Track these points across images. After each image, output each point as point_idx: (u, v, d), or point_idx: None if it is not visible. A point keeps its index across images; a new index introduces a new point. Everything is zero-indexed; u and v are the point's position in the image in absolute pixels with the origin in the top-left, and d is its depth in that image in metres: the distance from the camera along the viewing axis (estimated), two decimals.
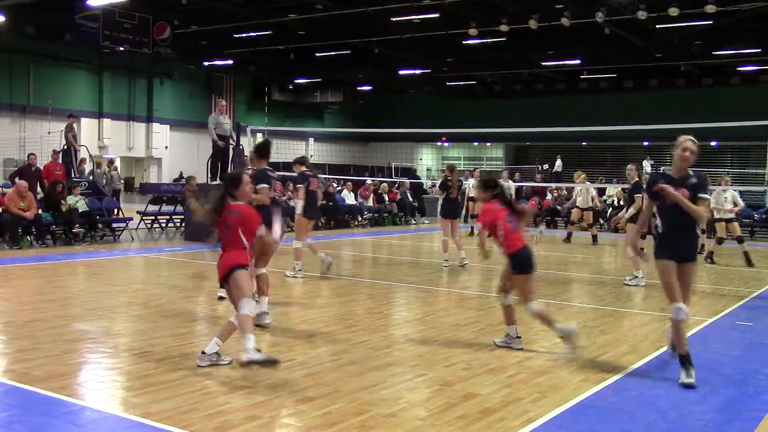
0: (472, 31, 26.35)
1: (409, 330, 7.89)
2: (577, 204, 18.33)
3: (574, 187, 19.02)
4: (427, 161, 48.50)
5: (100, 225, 15.94)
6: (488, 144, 47.86)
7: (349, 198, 22.41)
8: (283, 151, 33.99)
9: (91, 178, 19.58)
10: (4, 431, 4.40)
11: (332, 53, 35.00)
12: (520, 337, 6.87)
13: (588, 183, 18.70)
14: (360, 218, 22.18)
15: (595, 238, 18.11)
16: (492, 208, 6.74)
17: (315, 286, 10.42)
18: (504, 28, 25.65)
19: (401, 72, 38.04)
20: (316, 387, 5.45)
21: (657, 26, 26.13)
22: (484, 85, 43.87)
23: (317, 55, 35.81)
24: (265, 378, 5.64)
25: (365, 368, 6.04)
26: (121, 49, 31.68)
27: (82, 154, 20.57)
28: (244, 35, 32.09)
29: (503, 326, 6.99)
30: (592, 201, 18.40)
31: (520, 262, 6.63)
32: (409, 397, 5.34)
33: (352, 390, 5.41)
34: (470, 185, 19.35)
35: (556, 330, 6.57)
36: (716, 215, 14.68)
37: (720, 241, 14.75)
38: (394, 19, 26.95)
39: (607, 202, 24.27)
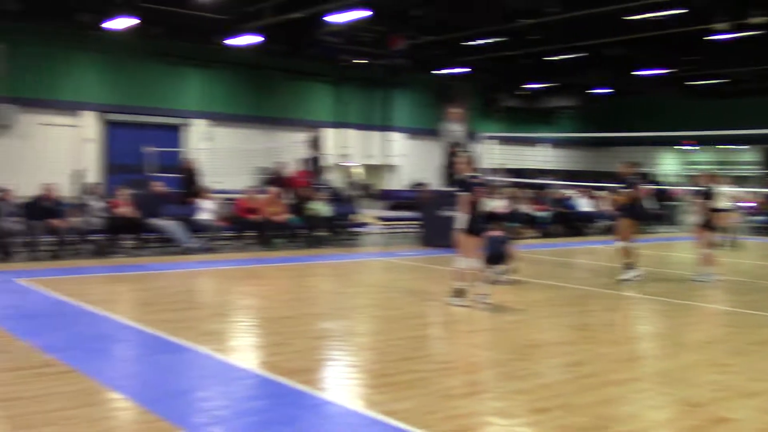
0: (719, 26, 24.46)
1: (650, 344, 7.46)
2: None
3: None
4: (667, 166, 45.81)
5: (341, 229, 16.81)
6: (738, 147, 44.17)
7: (583, 204, 21.72)
8: (515, 157, 33.82)
9: (333, 185, 20.71)
10: (258, 419, 4.75)
11: (565, 56, 34.26)
12: None
13: None
14: (595, 225, 21.43)
15: None
16: None
17: (550, 294, 10.21)
18: (758, 20, 23.53)
19: (639, 73, 36.31)
20: (552, 398, 5.32)
21: None
22: (735, 83, 40.57)
23: (550, 59, 35.24)
24: (501, 385, 5.61)
25: (604, 382, 5.79)
26: (360, 62, 33.32)
27: (325, 162, 21.79)
28: (477, 43, 32.38)
29: None
30: None
31: None
32: (652, 416, 5.03)
33: (589, 403, 5.21)
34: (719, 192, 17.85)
35: None
36: None
37: None
38: (628, 18, 25.79)
39: None
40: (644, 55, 32.43)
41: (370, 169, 42.23)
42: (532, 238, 18.97)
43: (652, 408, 5.21)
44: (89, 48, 31.05)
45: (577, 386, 5.64)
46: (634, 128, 31.89)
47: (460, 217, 8.83)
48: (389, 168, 42.09)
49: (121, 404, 5.06)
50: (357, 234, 17.31)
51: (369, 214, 19.71)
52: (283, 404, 5.07)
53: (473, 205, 8.90)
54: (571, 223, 20.72)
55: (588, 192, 22.46)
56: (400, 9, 28.16)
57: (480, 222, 9.07)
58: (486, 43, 31.89)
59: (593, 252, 16.93)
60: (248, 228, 15.21)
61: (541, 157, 45.10)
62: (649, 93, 42.99)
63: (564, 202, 21.22)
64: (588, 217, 21.46)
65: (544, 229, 19.72)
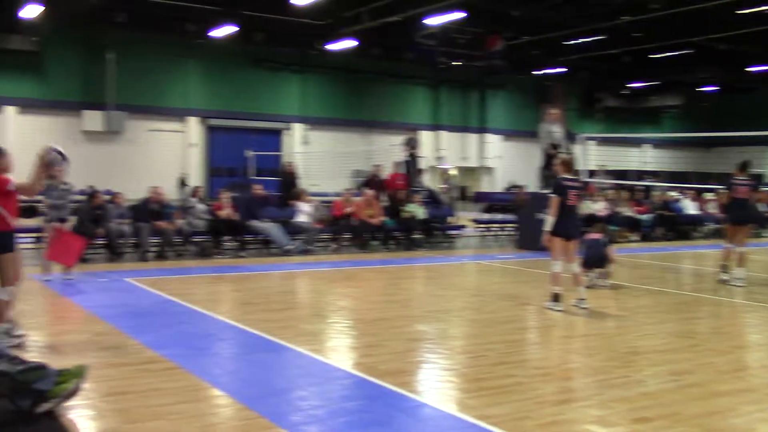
0: None
1: (762, 354, 7.10)
2: None
3: None
4: None
5: (436, 232, 16.79)
6: None
7: (689, 208, 20.90)
8: (617, 158, 32.92)
9: (429, 187, 20.71)
10: (353, 419, 4.79)
11: (670, 54, 33.13)
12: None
13: None
14: (701, 229, 20.59)
15: None
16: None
17: (652, 300, 9.87)
18: None
19: (751, 69, 34.73)
20: (654, 407, 5.13)
21: None
22: None
23: (654, 56, 34.15)
24: (600, 392, 5.45)
25: (711, 392, 5.54)
26: (457, 63, 33.21)
27: (421, 164, 21.82)
28: (576, 42, 31.75)
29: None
30: None
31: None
32: (766, 430, 4.78)
33: (695, 414, 4.99)
34: None
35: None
36: None
37: None
38: (739, 12, 24.69)
39: None
40: (756, 50, 31.00)
41: (466, 171, 42.02)
42: (633, 241, 18.41)
43: (765, 421, 4.95)
44: (193, 56, 32.21)
45: (681, 396, 5.42)
46: (745, 127, 30.63)
47: (548, 220, 8.71)
48: (485, 170, 41.75)
49: (222, 401, 5.20)
50: (452, 237, 17.24)
51: (464, 216, 19.61)
52: (378, 405, 5.09)
53: (567, 208, 8.73)
54: (675, 227, 19.97)
55: (694, 194, 21.63)
56: (498, 9, 27.95)
57: (573, 225, 8.87)
58: (586, 41, 31.22)
59: (699, 257, 16.29)
60: (344, 230, 15.40)
61: (643, 158, 43.76)
62: (761, 89, 41.04)
63: (669, 205, 20.45)
64: (694, 220, 20.65)
65: (646, 232, 19.08)
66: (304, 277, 12.13)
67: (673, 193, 21.99)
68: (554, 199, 8.74)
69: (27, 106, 29.33)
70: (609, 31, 29.05)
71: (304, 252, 14.41)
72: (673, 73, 37.35)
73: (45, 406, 4.30)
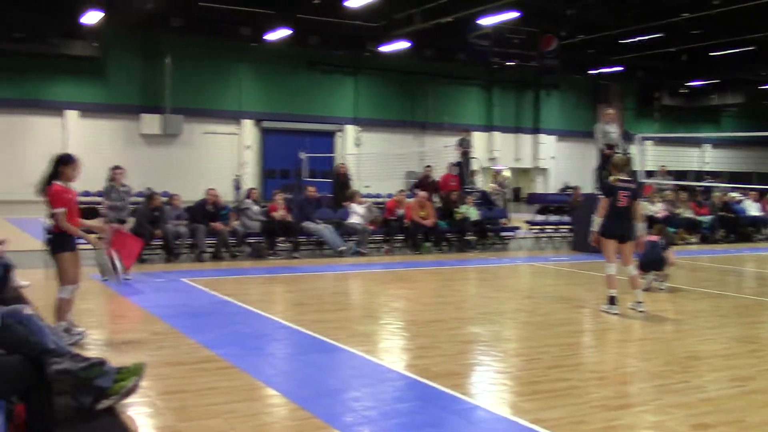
0: None
1: None
2: None
3: None
4: None
5: (490, 233, 16.67)
6: None
7: (751, 209, 20.31)
8: (675, 158, 32.20)
9: (482, 188, 20.54)
10: (406, 421, 4.78)
11: (731, 51, 32.31)
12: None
13: None
14: (764, 231, 19.98)
15: None
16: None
17: (712, 304, 9.63)
18: None
19: None
20: (715, 413, 4.99)
21: None
22: None
23: (713, 54, 33.36)
24: (657, 397, 5.34)
25: None
26: (510, 64, 32.95)
27: (474, 165, 21.69)
28: (632, 40, 31.20)
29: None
30: None
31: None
32: None
33: (760, 422, 4.84)
34: None
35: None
36: None
37: None
38: None
39: None
40: None
41: (520, 172, 41.66)
42: (692, 243, 18.00)
43: None
44: (248, 59, 32.66)
45: (744, 402, 5.26)
46: None
47: (596, 220, 8.61)
48: (539, 171, 41.32)
49: (276, 401, 5.25)
50: (506, 238, 17.10)
51: (518, 218, 19.42)
52: (431, 407, 5.07)
53: (616, 209, 8.58)
54: (737, 228, 19.42)
55: (756, 195, 21.02)
56: (553, 8, 27.64)
57: (622, 226, 8.68)
58: (643, 39, 30.68)
59: (762, 259, 15.85)
60: (397, 232, 15.40)
61: (703, 158, 42.74)
62: None
63: (730, 206, 19.89)
64: (756, 222, 20.05)
65: (706, 234, 18.61)
66: (356, 278, 12.18)
67: (735, 194, 21.40)
68: (602, 200, 8.68)
69: (88, 110, 30.13)
70: (666, 28, 28.50)
71: (357, 253, 14.46)
72: (733, 70, 36.44)
73: (105, 403, 4.41)
